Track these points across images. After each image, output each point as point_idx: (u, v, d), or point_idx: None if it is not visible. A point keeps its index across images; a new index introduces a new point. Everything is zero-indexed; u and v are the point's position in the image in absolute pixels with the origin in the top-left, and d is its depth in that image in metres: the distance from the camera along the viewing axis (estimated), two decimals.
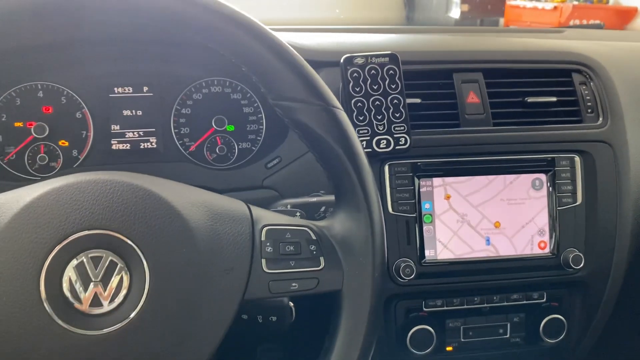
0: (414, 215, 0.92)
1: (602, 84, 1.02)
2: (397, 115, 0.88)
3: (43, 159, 0.92)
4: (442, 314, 0.96)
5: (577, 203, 0.97)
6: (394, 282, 0.91)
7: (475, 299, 0.97)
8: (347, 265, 0.61)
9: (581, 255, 0.94)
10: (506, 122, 0.97)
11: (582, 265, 0.94)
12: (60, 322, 0.52)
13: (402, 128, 0.88)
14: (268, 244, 0.60)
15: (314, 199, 0.78)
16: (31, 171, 0.93)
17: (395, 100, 0.88)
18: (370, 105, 0.88)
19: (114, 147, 0.96)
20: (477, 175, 0.94)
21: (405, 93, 0.89)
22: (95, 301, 0.53)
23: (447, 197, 0.93)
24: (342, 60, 0.88)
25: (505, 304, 0.98)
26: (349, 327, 0.61)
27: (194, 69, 0.98)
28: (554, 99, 0.99)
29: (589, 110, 1.01)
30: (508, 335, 0.99)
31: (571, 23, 3.27)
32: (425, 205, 0.93)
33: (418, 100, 0.94)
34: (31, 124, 0.92)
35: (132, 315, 0.53)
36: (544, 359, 1.04)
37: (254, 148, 0.99)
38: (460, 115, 0.95)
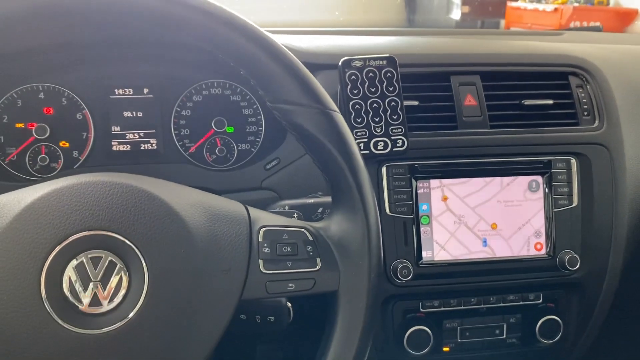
0: (411, 216, 0.93)
1: (598, 87, 1.02)
2: (395, 117, 0.88)
3: (44, 160, 0.93)
4: (439, 315, 0.97)
5: (573, 205, 0.98)
6: (392, 283, 0.92)
7: (472, 299, 0.97)
8: (344, 266, 0.62)
9: (577, 256, 0.95)
10: (503, 124, 0.98)
11: (578, 266, 0.95)
12: (60, 321, 0.53)
13: (400, 130, 0.88)
14: (265, 244, 0.61)
15: (312, 200, 0.79)
16: (32, 172, 0.93)
17: (393, 103, 0.89)
18: (368, 108, 0.88)
19: (114, 148, 0.96)
20: (474, 177, 0.95)
21: (403, 95, 0.90)
22: (95, 301, 0.54)
23: (444, 199, 0.94)
24: (340, 63, 0.88)
25: (501, 304, 0.98)
26: (344, 327, 0.62)
27: (194, 71, 0.99)
28: (550, 101, 1.00)
29: (586, 113, 1.01)
30: (504, 336, 0.99)
31: (572, 25, 3.28)
32: (423, 207, 0.93)
33: (416, 103, 0.95)
34: (32, 125, 0.93)
35: (131, 314, 0.54)
36: (540, 359, 1.05)
37: (253, 149, 1.00)
38: (458, 117, 0.96)
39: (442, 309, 0.97)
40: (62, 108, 0.94)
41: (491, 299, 0.98)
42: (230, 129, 0.99)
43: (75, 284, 0.54)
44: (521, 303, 0.99)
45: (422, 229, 0.93)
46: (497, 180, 0.96)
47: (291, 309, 0.79)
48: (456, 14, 4.02)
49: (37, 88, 0.94)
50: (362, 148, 0.88)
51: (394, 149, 0.88)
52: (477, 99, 0.97)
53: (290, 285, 0.61)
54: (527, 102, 0.99)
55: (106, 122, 0.96)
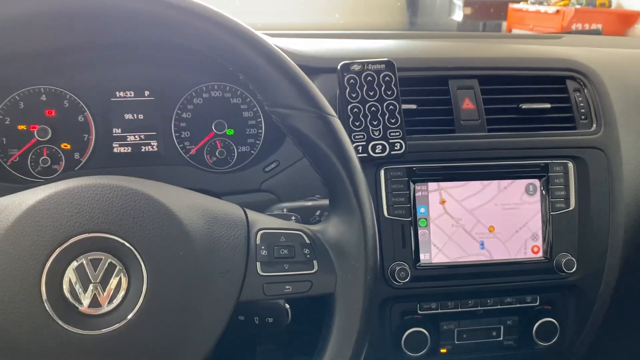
0: (409, 219, 0.93)
1: (595, 91, 1.03)
2: (393, 121, 0.89)
3: (45, 162, 0.94)
4: (436, 317, 0.98)
5: (570, 208, 0.98)
6: (389, 285, 0.93)
7: (469, 302, 0.98)
8: (340, 268, 0.63)
9: (574, 259, 0.96)
10: (501, 128, 0.98)
11: (574, 269, 0.96)
12: (60, 322, 0.53)
13: (398, 133, 0.89)
14: (263, 247, 0.62)
15: (310, 203, 0.80)
16: (34, 173, 0.94)
17: (391, 106, 0.89)
18: (366, 111, 0.89)
19: (115, 150, 0.97)
20: (472, 180, 0.96)
21: (401, 99, 0.90)
22: (95, 302, 0.55)
23: (442, 202, 0.95)
24: (339, 67, 0.89)
25: (498, 307, 0.99)
26: (341, 329, 0.62)
27: (194, 74, 0.99)
28: (548, 105, 1.00)
29: (583, 117, 1.02)
30: (501, 338, 1.00)
31: (573, 27, 3.28)
32: (421, 210, 0.94)
33: (414, 106, 0.95)
34: (34, 127, 0.94)
35: (130, 316, 0.55)
36: None
37: (253, 152, 1.00)
38: (456, 121, 0.97)
39: (440, 311, 0.97)
40: (63, 110, 0.95)
41: (488, 301, 0.98)
42: (230, 132, 1.00)
43: (75, 285, 0.55)
44: (518, 305, 0.99)
45: (419, 231, 0.94)
46: (495, 183, 0.96)
47: (289, 310, 0.80)
48: (458, 16, 4.02)
49: (39, 90, 0.94)
50: (360, 151, 0.89)
51: (392, 153, 0.89)
52: (475, 103, 0.98)
53: (287, 287, 0.62)
54: (524, 106, 0.99)
55: (107, 124, 0.97)
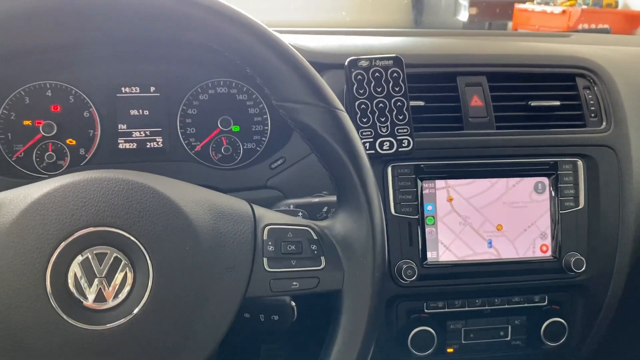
0: (417, 217, 0.92)
1: (606, 89, 1.02)
2: (401, 117, 0.88)
3: (51, 157, 0.94)
4: (443, 316, 0.97)
5: (580, 207, 0.97)
6: (396, 283, 0.92)
7: (477, 301, 0.97)
8: (348, 265, 0.62)
9: (583, 259, 0.95)
10: (509, 125, 0.98)
11: (583, 269, 0.95)
12: (65, 316, 0.53)
13: (405, 130, 0.88)
14: (270, 243, 0.61)
15: (317, 200, 0.79)
16: (39, 169, 0.94)
17: (399, 103, 0.88)
18: (374, 108, 0.88)
19: (120, 146, 0.97)
20: (480, 178, 0.95)
21: (409, 96, 0.90)
22: (100, 297, 0.54)
23: (450, 200, 0.94)
24: (346, 63, 0.88)
25: (506, 306, 0.98)
26: (348, 326, 0.61)
27: (200, 70, 0.99)
28: (557, 103, 0.99)
29: (593, 115, 1.01)
30: (509, 338, 0.99)
31: (580, 27, 3.26)
32: (428, 207, 0.93)
33: (422, 103, 0.95)
34: (39, 123, 0.93)
35: (136, 311, 0.54)
36: None
37: (258, 148, 1.00)
38: (464, 118, 0.96)
39: (447, 310, 0.96)
40: (69, 106, 0.95)
41: (496, 300, 0.98)
42: (236, 128, 0.99)
43: (80, 279, 0.54)
44: (526, 305, 0.98)
45: (427, 229, 0.93)
46: (503, 181, 0.95)
47: (295, 308, 0.79)
48: (463, 16, 4.02)
49: (44, 86, 0.94)
50: (367, 148, 0.88)
51: (400, 149, 0.88)
52: (483, 100, 0.97)
53: (294, 283, 0.61)
54: (533, 104, 0.98)
55: (113, 120, 0.96)
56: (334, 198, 0.75)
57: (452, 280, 0.95)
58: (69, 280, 0.54)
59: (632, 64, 1.10)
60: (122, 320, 0.54)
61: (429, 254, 0.93)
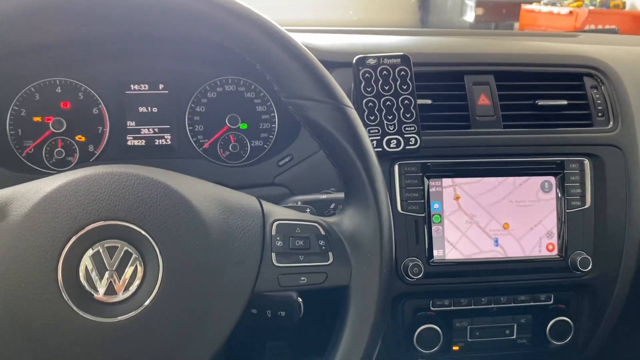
0: (423, 215, 0.93)
1: (613, 88, 1.02)
2: (408, 115, 0.89)
3: (60, 153, 0.94)
4: (449, 314, 0.97)
5: (586, 206, 0.97)
6: (402, 281, 0.92)
7: (483, 299, 0.97)
8: (355, 261, 0.62)
9: (589, 258, 0.95)
10: (517, 124, 0.98)
11: (590, 268, 0.95)
12: (76, 309, 0.53)
13: (413, 128, 0.89)
14: (278, 238, 0.61)
15: (324, 196, 0.79)
16: (48, 165, 0.95)
17: (406, 101, 0.89)
18: (381, 106, 0.89)
19: (129, 142, 0.97)
20: (487, 176, 0.95)
21: (417, 94, 0.90)
22: (110, 290, 0.55)
23: (457, 198, 0.94)
24: (354, 61, 0.89)
25: (512, 305, 0.98)
26: (355, 322, 0.62)
27: (208, 68, 0.99)
28: (564, 102, 0.99)
29: (600, 114, 1.01)
30: (515, 336, 0.99)
31: (586, 28, 3.26)
32: (435, 205, 0.94)
33: (429, 102, 0.95)
34: (49, 119, 0.94)
35: (145, 304, 0.55)
36: None
37: (266, 146, 1.00)
38: (471, 116, 0.96)
39: (453, 308, 0.97)
40: (78, 102, 0.96)
41: (502, 299, 0.98)
42: (243, 126, 1.00)
43: (91, 272, 0.54)
44: (532, 304, 0.99)
45: (433, 227, 0.93)
46: (510, 180, 0.96)
47: (302, 304, 0.80)
48: (470, 17, 4.01)
49: (54, 82, 0.95)
50: (374, 146, 0.88)
51: (407, 147, 0.89)
52: (490, 99, 0.97)
53: (302, 278, 0.61)
54: (541, 103, 0.99)
55: (122, 117, 0.97)
56: (341, 195, 0.75)
57: (459, 278, 0.95)
58: (80, 274, 0.54)
59: None
60: (132, 313, 0.54)
61: (435, 252, 0.94)
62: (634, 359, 1.19)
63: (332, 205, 0.78)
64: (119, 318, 0.54)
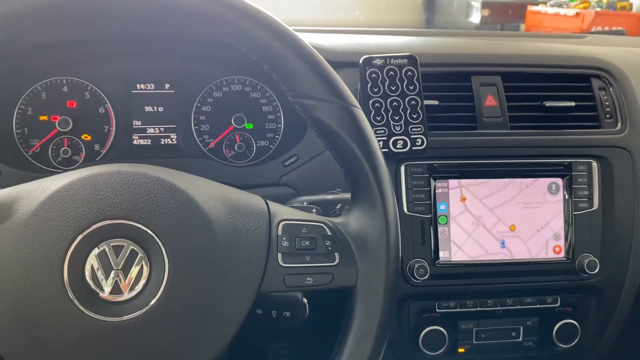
0: (429, 216, 0.92)
1: (621, 90, 1.01)
2: (415, 116, 0.88)
3: (66, 152, 0.95)
4: (455, 316, 0.97)
5: (594, 208, 0.97)
6: (408, 282, 0.92)
7: (489, 301, 0.97)
8: (362, 261, 0.62)
9: (596, 260, 0.94)
10: (524, 125, 0.97)
11: (597, 270, 0.94)
12: (81, 308, 0.53)
13: (419, 129, 0.88)
14: (284, 238, 0.61)
15: (330, 197, 0.79)
16: (54, 164, 0.95)
17: (413, 102, 0.88)
18: (388, 106, 0.88)
19: (135, 142, 0.98)
20: (494, 178, 0.94)
21: (423, 95, 0.90)
22: (116, 289, 0.54)
23: (463, 199, 0.94)
24: (361, 61, 0.89)
25: (518, 307, 0.98)
26: (361, 323, 0.61)
27: (214, 68, 0.99)
28: (572, 103, 0.99)
29: (608, 116, 1.00)
30: (521, 339, 0.98)
31: (593, 30, 3.24)
32: (441, 207, 0.93)
33: (436, 102, 0.94)
34: (55, 118, 0.94)
35: (151, 303, 0.54)
36: None
37: (271, 146, 1.00)
38: (478, 117, 0.96)
39: (458, 309, 0.96)
40: (85, 102, 0.96)
41: (508, 301, 0.97)
42: (249, 126, 1.00)
43: (97, 271, 0.54)
44: (538, 306, 0.98)
45: (439, 228, 0.93)
46: (517, 181, 0.95)
47: (307, 304, 0.79)
48: (476, 18, 4.00)
49: (61, 81, 0.95)
50: (381, 146, 0.87)
51: (413, 148, 0.88)
52: (497, 100, 0.97)
53: (308, 279, 0.61)
54: (548, 104, 0.98)
55: (128, 117, 0.97)
56: (347, 195, 0.75)
57: (464, 280, 0.94)
58: (86, 272, 0.54)
59: None
60: (138, 313, 0.54)
61: (441, 254, 0.93)
62: None
63: (338, 206, 0.78)
64: (125, 317, 0.54)
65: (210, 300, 0.56)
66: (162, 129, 0.98)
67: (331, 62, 0.74)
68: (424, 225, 0.92)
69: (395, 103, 0.88)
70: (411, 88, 0.88)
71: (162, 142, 0.98)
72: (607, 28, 3.24)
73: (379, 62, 0.88)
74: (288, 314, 0.79)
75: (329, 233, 0.63)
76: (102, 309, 0.54)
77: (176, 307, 0.55)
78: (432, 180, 0.93)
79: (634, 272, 0.99)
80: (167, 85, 0.99)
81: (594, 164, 0.98)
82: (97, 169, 0.58)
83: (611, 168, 0.98)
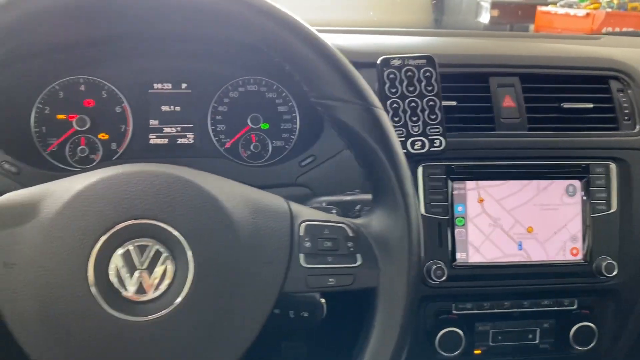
0: (447, 217, 0.92)
1: None
2: (433, 117, 0.88)
3: (83, 151, 0.95)
4: (471, 317, 0.96)
5: (612, 211, 0.96)
6: (425, 284, 0.92)
7: (506, 303, 0.96)
8: (383, 263, 0.62)
9: (614, 263, 0.94)
10: (542, 127, 0.97)
11: (615, 273, 0.94)
12: (106, 307, 0.53)
13: (438, 130, 0.88)
14: (307, 239, 0.61)
15: (349, 197, 0.79)
16: (71, 162, 0.95)
17: (431, 102, 0.88)
18: (406, 107, 0.88)
19: (151, 141, 0.98)
20: (511, 179, 0.94)
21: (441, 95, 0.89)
22: (140, 288, 0.54)
23: (480, 201, 0.93)
24: (379, 61, 0.88)
25: (535, 309, 0.97)
26: (383, 325, 0.61)
27: (231, 67, 0.99)
28: (590, 105, 0.98)
29: (626, 118, 1.00)
30: (537, 341, 0.98)
31: (604, 30, 3.22)
32: (458, 208, 0.93)
33: (453, 103, 0.94)
34: (73, 117, 0.94)
35: (176, 303, 0.54)
36: None
37: (287, 147, 1.00)
38: (496, 119, 0.95)
39: (475, 311, 0.96)
40: (102, 101, 0.96)
41: (525, 303, 0.97)
42: (265, 126, 1.00)
43: (121, 271, 0.54)
44: (555, 308, 0.98)
45: (456, 230, 0.93)
46: (534, 183, 0.95)
47: (325, 305, 0.79)
48: (485, 18, 3.98)
49: (78, 81, 0.95)
50: None
51: (432, 149, 0.88)
52: (515, 101, 0.96)
53: (330, 280, 0.61)
54: (566, 105, 0.98)
55: (144, 116, 0.97)
56: (366, 196, 0.75)
57: (481, 281, 0.94)
58: (110, 272, 0.54)
59: None
60: (162, 312, 0.54)
61: (458, 255, 0.93)
62: None
63: (358, 207, 0.77)
64: (149, 317, 0.54)
65: (234, 300, 0.56)
66: (178, 129, 0.98)
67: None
68: (442, 226, 0.92)
69: (413, 104, 0.88)
70: (429, 89, 0.88)
71: (178, 142, 0.98)
72: (617, 29, 3.23)
73: (396, 62, 0.88)
74: (306, 314, 0.79)
75: (351, 234, 0.62)
76: (126, 309, 0.54)
77: (200, 307, 0.55)
78: (449, 182, 0.93)
79: None
80: (184, 85, 0.99)
81: (612, 166, 0.97)
82: (122, 169, 0.58)
83: (629, 170, 0.97)
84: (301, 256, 0.60)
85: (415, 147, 0.88)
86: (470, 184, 0.93)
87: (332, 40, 0.97)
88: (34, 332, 0.54)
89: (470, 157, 0.94)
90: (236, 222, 0.58)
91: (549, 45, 1.12)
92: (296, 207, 0.64)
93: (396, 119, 0.88)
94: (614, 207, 0.96)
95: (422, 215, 0.90)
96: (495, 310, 0.96)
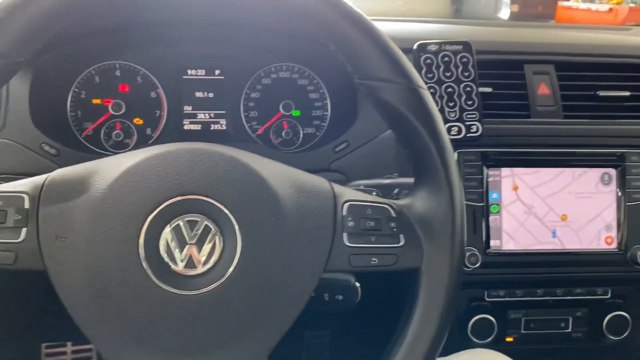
0: (482, 204, 0.92)
1: None
2: (470, 103, 0.88)
3: (118, 136, 0.96)
4: (504, 305, 0.96)
5: None
6: None
7: (538, 291, 0.96)
8: (427, 244, 0.62)
9: None
10: (577, 115, 0.96)
11: None
12: (157, 281, 0.54)
13: (474, 116, 0.88)
14: (350, 218, 0.61)
15: (388, 181, 0.79)
16: (106, 146, 0.96)
17: (468, 88, 0.88)
18: (443, 92, 0.88)
19: (185, 127, 0.98)
20: (546, 167, 0.94)
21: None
22: (190, 263, 0.55)
23: (515, 188, 0.93)
24: (415, 47, 0.88)
25: (568, 297, 0.97)
26: (426, 305, 0.61)
27: (263, 54, 1.00)
28: (627, 93, 0.98)
29: None
30: (570, 330, 0.98)
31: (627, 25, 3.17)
32: (493, 195, 0.92)
33: (489, 90, 0.94)
34: (108, 102, 0.95)
35: (223, 278, 0.55)
36: (606, 356, 1.02)
37: (318, 133, 1.00)
38: (531, 106, 0.95)
39: (508, 298, 0.96)
40: (137, 86, 0.97)
41: (558, 291, 0.96)
42: (296, 113, 1.00)
43: (171, 245, 0.55)
44: (588, 297, 0.97)
45: (491, 217, 0.92)
46: (569, 171, 0.94)
47: (359, 289, 0.79)
48: (505, 13, 3.95)
49: (113, 66, 0.96)
50: None
51: (468, 135, 0.88)
52: (550, 89, 0.96)
53: (373, 259, 0.61)
54: (602, 93, 0.97)
55: (179, 102, 0.98)
56: (405, 180, 0.75)
57: (515, 269, 0.93)
58: (161, 247, 0.55)
59: None
60: (211, 287, 0.55)
61: (492, 242, 0.92)
62: None
63: (396, 190, 0.77)
64: (199, 291, 0.55)
65: (281, 276, 0.57)
66: (212, 115, 0.99)
67: None
68: (476, 213, 0.92)
69: (449, 89, 0.88)
70: (466, 75, 0.88)
71: (211, 128, 0.99)
72: None
73: (433, 48, 0.88)
74: (340, 297, 0.79)
75: (394, 215, 0.62)
76: (176, 283, 0.55)
77: (248, 282, 0.56)
78: (485, 169, 0.92)
79: None
80: (217, 72, 0.99)
81: None
82: (172, 147, 0.58)
83: None
84: (344, 235, 0.60)
85: (452, 132, 0.88)
86: (505, 171, 0.93)
87: None
88: (85, 305, 0.54)
89: (506, 144, 0.93)
90: (281, 200, 0.58)
91: (582, 34, 1.11)
92: (338, 187, 0.64)
93: None
94: None
95: None
96: (528, 298, 0.96)
